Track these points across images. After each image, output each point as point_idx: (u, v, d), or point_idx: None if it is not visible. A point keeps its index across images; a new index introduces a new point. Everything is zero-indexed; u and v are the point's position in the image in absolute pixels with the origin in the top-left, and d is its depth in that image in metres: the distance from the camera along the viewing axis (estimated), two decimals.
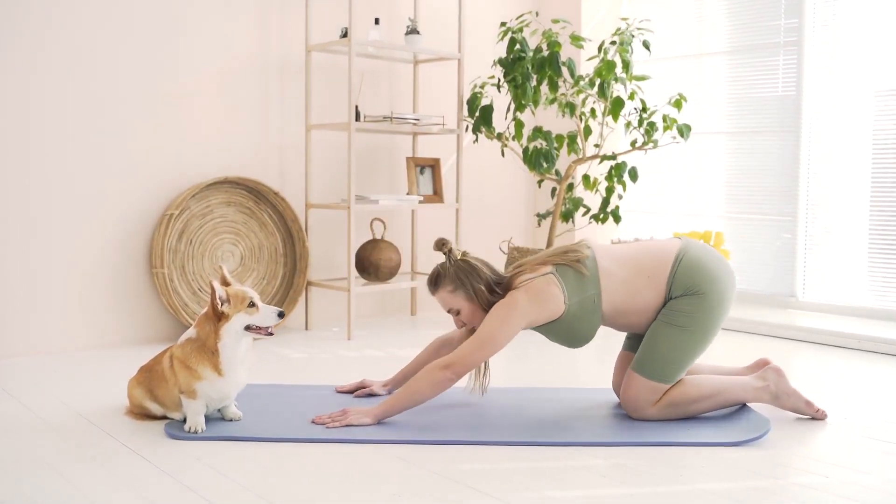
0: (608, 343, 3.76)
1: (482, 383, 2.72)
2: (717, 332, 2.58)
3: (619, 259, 2.60)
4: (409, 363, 2.91)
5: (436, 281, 2.63)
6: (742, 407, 2.71)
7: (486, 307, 2.58)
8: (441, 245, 2.64)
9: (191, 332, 2.47)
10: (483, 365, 2.70)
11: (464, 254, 2.64)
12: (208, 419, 2.52)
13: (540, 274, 2.53)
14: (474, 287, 2.57)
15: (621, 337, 2.99)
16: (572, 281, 2.52)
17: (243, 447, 2.35)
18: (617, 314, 2.58)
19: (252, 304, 2.43)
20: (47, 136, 3.50)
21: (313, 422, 2.51)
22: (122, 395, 2.73)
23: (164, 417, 2.56)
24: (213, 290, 2.40)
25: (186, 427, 2.43)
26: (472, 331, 2.63)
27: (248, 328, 2.44)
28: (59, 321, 3.57)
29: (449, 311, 2.65)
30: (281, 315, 2.45)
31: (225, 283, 2.47)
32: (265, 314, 2.44)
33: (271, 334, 2.48)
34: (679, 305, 2.54)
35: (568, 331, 2.56)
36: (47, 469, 2.16)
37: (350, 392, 2.90)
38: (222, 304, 2.40)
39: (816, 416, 2.65)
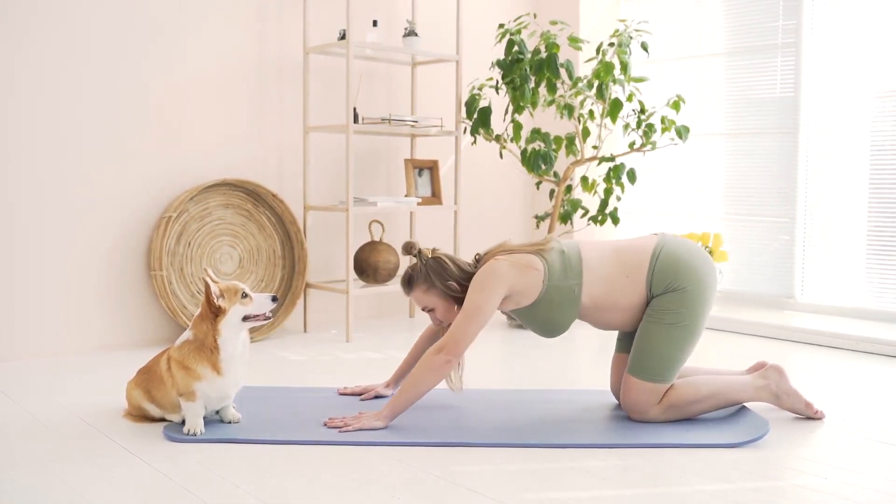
0: (603, 344, 3.77)
1: (460, 376, 2.65)
2: (704, 323, 2.59)
3: (602, 255, 2.62)
4: (404, 359, 2.91)
5: (409, 282, 2.67)
6: (741, 408, 2.71)
7: (461, 302, 2.61)
8: (409, 249, 2.69)
9: (187, 335, 2.48)
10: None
11: (433, 251, 2.68)
12: (207, 421, 2.52)
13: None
14: (446, 284, 2.62)
15: (615, 338, 2.99)
16: (556, 266, 2.55)
17: (242, 449, 2.35)
18: (596, 309, 2.59)
19: (245, 295, 2.46)
20: (45, 138, 3.49)
21: (325, 424, 2.51)
22: (120, 398, 2.73)
23: (162, 419, 2.56)
24: (208, 286, 2.42)
25: (185, 429, 2.43)
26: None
27: (245, 318, 2.46)
28: (58, 324, 3.57)
29: (424, 310, 2.70)
30: (274, 299, 2.49)
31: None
32: (259, 302, 2.48)
33: (269, 318, 2.51)
34: (662, 304, 2.55)
35: (546, 318, 2.58)
36: (45, 471, 2.16)
37: (354, 395, 2.90)
38: (218, 299, 2.42)
39: (814, 417, 2.66)
